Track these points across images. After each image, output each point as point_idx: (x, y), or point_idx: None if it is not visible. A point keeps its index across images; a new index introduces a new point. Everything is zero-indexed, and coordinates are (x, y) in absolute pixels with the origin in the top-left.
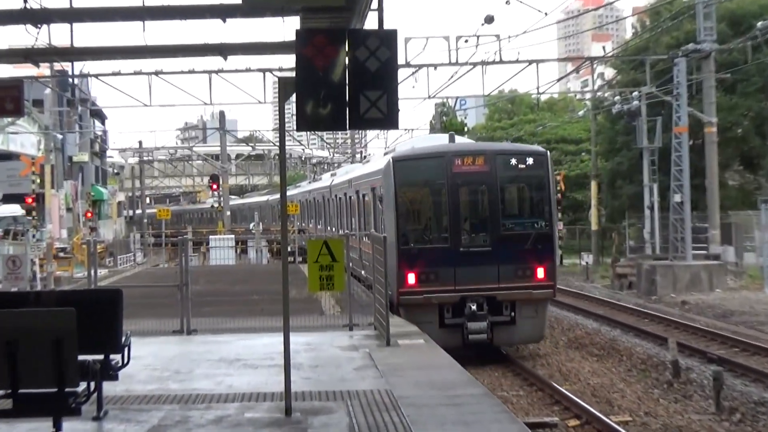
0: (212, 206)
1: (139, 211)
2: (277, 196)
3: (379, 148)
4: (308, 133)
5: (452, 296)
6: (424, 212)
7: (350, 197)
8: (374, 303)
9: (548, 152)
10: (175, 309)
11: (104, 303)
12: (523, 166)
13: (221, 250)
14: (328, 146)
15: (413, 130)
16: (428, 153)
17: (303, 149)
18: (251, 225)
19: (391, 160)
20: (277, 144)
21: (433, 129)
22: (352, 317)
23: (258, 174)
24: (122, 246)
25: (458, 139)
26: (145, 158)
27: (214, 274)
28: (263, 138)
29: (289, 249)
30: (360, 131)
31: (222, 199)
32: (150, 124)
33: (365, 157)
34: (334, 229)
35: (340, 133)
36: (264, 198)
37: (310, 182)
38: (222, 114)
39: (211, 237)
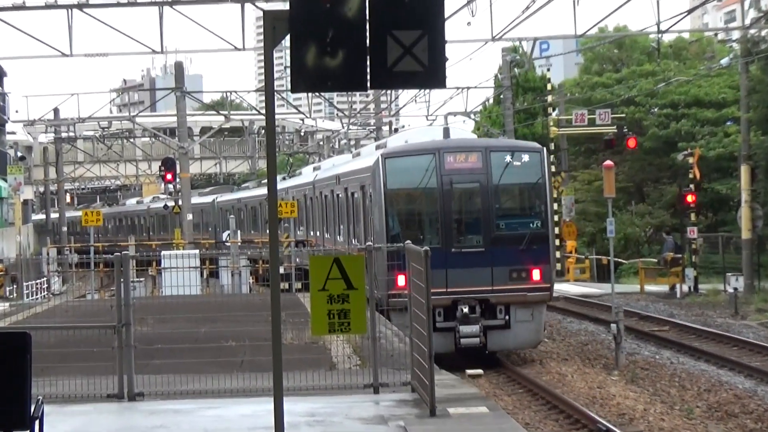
0: (166, 206)
1: (55, 215)
2: (262, 191)
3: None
4: (310, 96)
5: (443, 299)
6: (414, 211)
7: (338, 195)
8: (411, 351)
9: (544, 148)
10: (111, 362)
11: (2, 354)
12: (518, 163)
13: (180, 273)
14: (341, 115)
15: (468, 89)
16: (419, 149)
17: (302, 120)
18: (225, 234)
19: (380, 157)
20: (262, 112)
21: (498, 86)
22: (378, 373)
23: (234, 157)
24: (30, 267)
25: (454, 133)
26: (63, 134)
27: (169, 308)
28: (242, 103)
29: (282, 270)
30: (388, 92)
31: (181, 195)
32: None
33: (396, 130)
34: (319, 234)
35: (358, 95)
36: (244, 193)
37: (315, 167)
38: (179, 67)
39: (164, 253)
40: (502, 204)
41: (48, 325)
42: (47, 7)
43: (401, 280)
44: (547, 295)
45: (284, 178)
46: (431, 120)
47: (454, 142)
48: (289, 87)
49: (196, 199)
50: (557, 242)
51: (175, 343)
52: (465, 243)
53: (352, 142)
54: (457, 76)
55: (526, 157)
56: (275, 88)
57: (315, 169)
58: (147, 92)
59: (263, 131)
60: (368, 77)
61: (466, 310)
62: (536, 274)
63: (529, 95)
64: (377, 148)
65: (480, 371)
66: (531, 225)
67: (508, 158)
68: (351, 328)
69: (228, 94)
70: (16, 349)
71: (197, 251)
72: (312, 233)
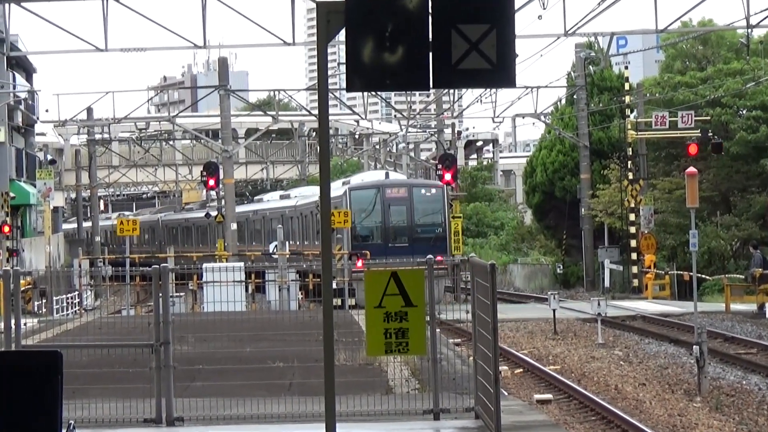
0: (208, 215)
1: (87, 224)
2: (314, 198)
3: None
4: (366, 95)
5: None
6: (367, 222)
7: (317, 215)
8: (475, 374)
9: (444, 186)
10: (148, 384)
11: (31, 374)
12: (429, 194)
13: (222, 288)
14: (399, 117)
15: (538, 89)
16: (370, 185)
17: (357, 122)
18: (272, 246)
19: (347, 189)
20: (314, 113)
21: (571, 85)
22: (439, 398)
23: (282, 161)
24: (60, 280)
25: (391, 176)
26: (97, 136)
27: (211, 326)
28: (291, 103)
29: (335, 285)
30: (451, 91)
31: (225, 203)
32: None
33: (459, 132)
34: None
35: (418, 95)
36: (294, 202)
37: (282, 195)
38: (223, 63)
39: (205, 266)
40: (418, 219)
41: (80, 343)
42: None
43: (359, 263)
44: (445, 272)
45: (251, 201)
46: (497, 122)
47: (390, 181)
48: (344, 86)
49: (241, 208)
50: (635, 255)
51: (217, 364)
52: (397, 242)
53: (411, 146)
54: (526, 74)
55: (433, 190)
56: (329, 88)
57: (282, 197)
58: (188, 90)
59: (314, 134)
60: (430, 75)
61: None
62: (440, 259)
63: (605, 95)
64: (343, 184)
65: (549, 396)
66: (435, 231)
67: (423, 191)
68: (409, 348)
69: (276, 92)
70: (45, 370)
71: (242, 264)
72: (295, 243)
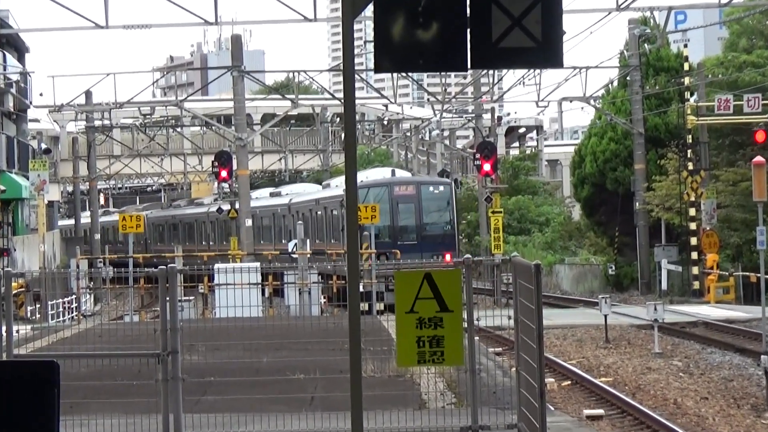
0: (219, 210)
1: (86, 220)
2: (337, 192)
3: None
4: (396, 77)
5: (390, 272)
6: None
7: (317, 213)
8: (518, 387)
9: (452, 183)
10: (154, 398)
11: (23, 387)
12: (436, 191)
13: (236, 291)
14: (433, 101)
15: (587, 70)
16: (379, 183)
17: (386, 106)
18: (291, 245)
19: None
20: (338, 96)
21: (624, 65)
22: (478, 413)
23: (303, 150)
24: (56, 283)
25: (397, 173)
26: (96, 123)
27: (223, 334)
28: (312, 86)
29: (361, 288)
30: (490, 72)
31: (239, 196)
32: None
33: (500, 118)
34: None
35: (453, 76)
36: (315, 195)
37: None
38: (237, 41)
39: (217, 266)
40: (427, 216)
41: (78, 352)
42: None
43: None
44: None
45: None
46: (542, 106)
47: (399, 179)
48: (371, 66)
49: (257, 202)
50: (695, 255)
51: (231, 376)
52: (405, 238)
53: (446, 133)
54: (574, 53)
55: (441, 188)
56: (355, 68)
57: (272, 195)
58: (197, 72)
59: (338, 119)
60: (468, 55)
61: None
62: (448, 257)
63: (662, 77)
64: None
65: (601, 412)
66: (444, 228)
67: (431, 188)
68: (445, 358)
69: (295, 74)
70: (40, 382)
71: (258, 265)
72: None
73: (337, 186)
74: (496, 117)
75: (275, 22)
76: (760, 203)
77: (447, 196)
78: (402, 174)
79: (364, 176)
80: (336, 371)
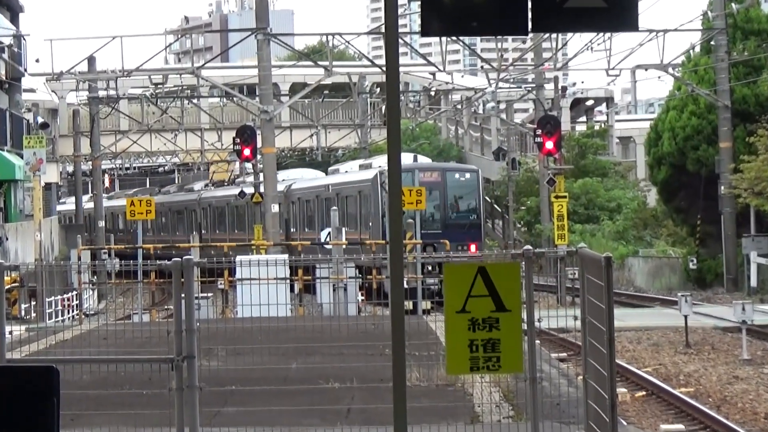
0: (242, 193)
1: (89, 205)
2: (371, 173)
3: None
4: (445, 41)
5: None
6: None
7: (326, 199)
8: (585, 398)
9: (479, 170)
10: (166, 409)
11: (18, 397)
12: (462, 178)
13: (261, 287)
14: (487, 69)
15: (665, 33)
16: (404, 168)
17: (433, 75)
18: (324, 234)
19: (378, 173)
20: (379, 63)
21: (708, 27)
22: (539, 428)
23: (338, 125)
24: (55, 277)
25: (419, 159)
26: (101, 93)
27: (246, 336)
28: (348, 51)
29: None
30: (555, 36)
31: (264, 178)
32: (112, 25)
33: (564, 88)
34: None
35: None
36: (349, 176)
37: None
38: (262, 0)
39: (239, 259)
40: (452, 204)
41: (80, 357)
42: None
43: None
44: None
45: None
46: (613, 75)
47: (424, 164)
48: (417, 29)
49: (285, 185)
50: None
51: (255, 385)
52: (429, 227)
53: (502, 106)
54: (650, 14)
55: (468, 175)
56: (398, 32)
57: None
58: (217, 35)
59: (378, 90)
60: (529, 16)
61: (429, 268)
62: (473, 248)
63: (752, 41)
64: (361, 167)
65: (680, 427)
66: (470, 217)
67: (457, 175)
68: (502, 365)
69: (329, 37)
70: (37, 391)
71: (286, 257)
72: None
73: (375, 166)
74: (559, 87)
75: None
76: None
77: (474, 184)
78: (423, 160)
79: (383, 161)
80: (376, 380)
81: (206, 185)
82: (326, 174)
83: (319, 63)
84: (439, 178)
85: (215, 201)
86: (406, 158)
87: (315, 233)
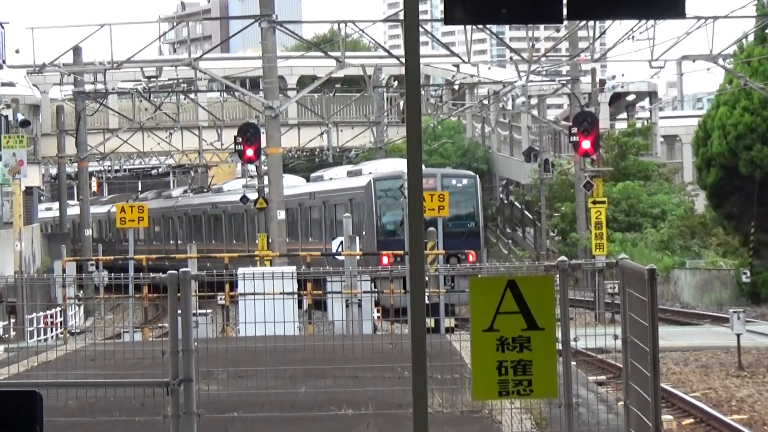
0: (244, 198)
1: (74, 210)
2: (364, 180)
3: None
4: (470, 30)
5: None
6: (394, 216)
7: (310, 207)
8: (626, 425)
9: (477, 176)
10: None
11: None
12: (459, 184)
13: (266, 303)
14: (517, 60)
15: (714, 21)
16: (396, 175)
17: (457, 67)
18: (336, 244)
19: (371, 179)
20: (397, 54)
21: (763, 14)
22: None
23: (350, 122)
24: (36, 291)
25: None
26: (88, 87)
27: (250, 357)
28: (362, 41)
29: (426, 299)
30: (591, 23)
31: (268, 181)
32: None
33: (603, 81)
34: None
35: (543, 29)
36: (338, 183)
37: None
38: None
39: (241, 271)
40: (449, 212)
41: (65, 380)
42: None
43: (385, 260)
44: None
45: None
46: (657, 67)
47: None
48: (439, 16)
49: (292, 190)
50: None
51: (259, 411)
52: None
53: (534, 101)
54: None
55: (465, 181)
56: (419, 20)
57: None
58: (216, 23)
59: (396, 83)
60: (564, 2)
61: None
62: (471, 257)
63: None
64: (348, 174)
65: None
66: (468, 225)
67: (454, 181)
68: (533, 389)
69: (341, 25)
70: (18, 417)
71: (293, 269)
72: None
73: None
74: (597, 81)
75: None
76: None
77: (472, 190)
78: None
79: (373, 167)
80: (394, 405)
81: (204, 189)
82: (308, 181)
83: (330, 54)
84: (434, 184)
85: (210, 207)
86: (395, 164)
87: (297, 244)
